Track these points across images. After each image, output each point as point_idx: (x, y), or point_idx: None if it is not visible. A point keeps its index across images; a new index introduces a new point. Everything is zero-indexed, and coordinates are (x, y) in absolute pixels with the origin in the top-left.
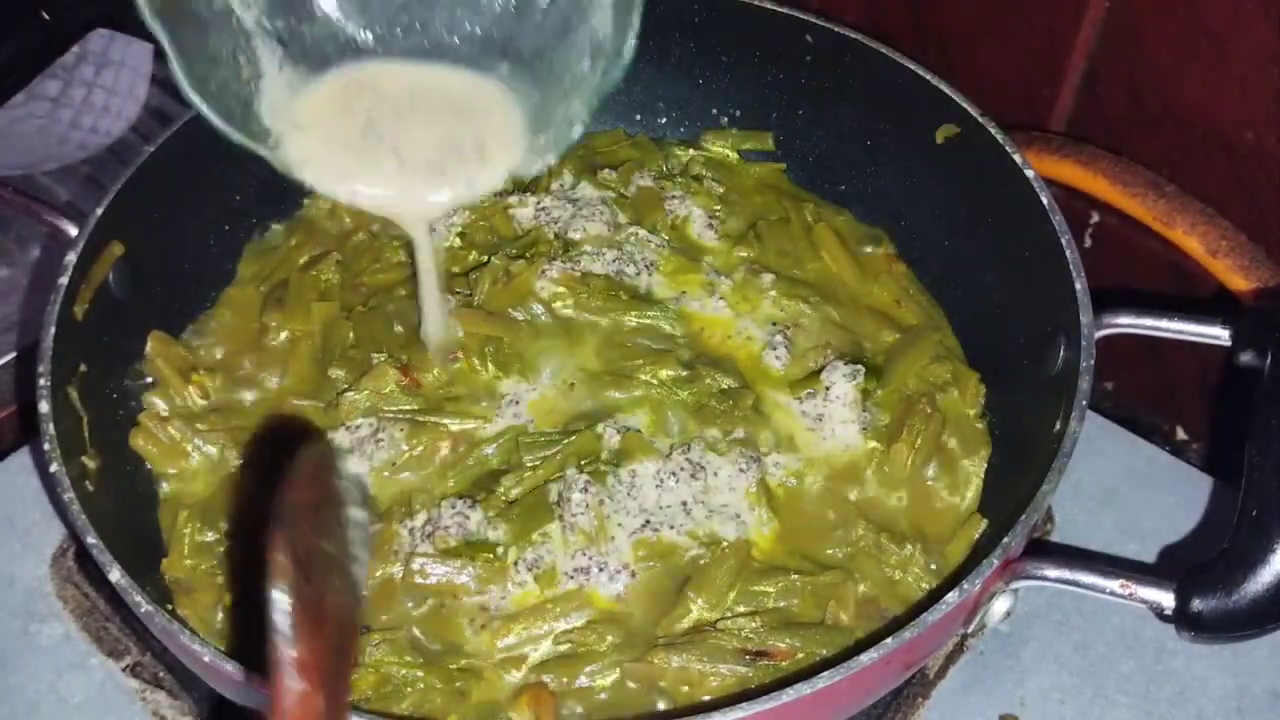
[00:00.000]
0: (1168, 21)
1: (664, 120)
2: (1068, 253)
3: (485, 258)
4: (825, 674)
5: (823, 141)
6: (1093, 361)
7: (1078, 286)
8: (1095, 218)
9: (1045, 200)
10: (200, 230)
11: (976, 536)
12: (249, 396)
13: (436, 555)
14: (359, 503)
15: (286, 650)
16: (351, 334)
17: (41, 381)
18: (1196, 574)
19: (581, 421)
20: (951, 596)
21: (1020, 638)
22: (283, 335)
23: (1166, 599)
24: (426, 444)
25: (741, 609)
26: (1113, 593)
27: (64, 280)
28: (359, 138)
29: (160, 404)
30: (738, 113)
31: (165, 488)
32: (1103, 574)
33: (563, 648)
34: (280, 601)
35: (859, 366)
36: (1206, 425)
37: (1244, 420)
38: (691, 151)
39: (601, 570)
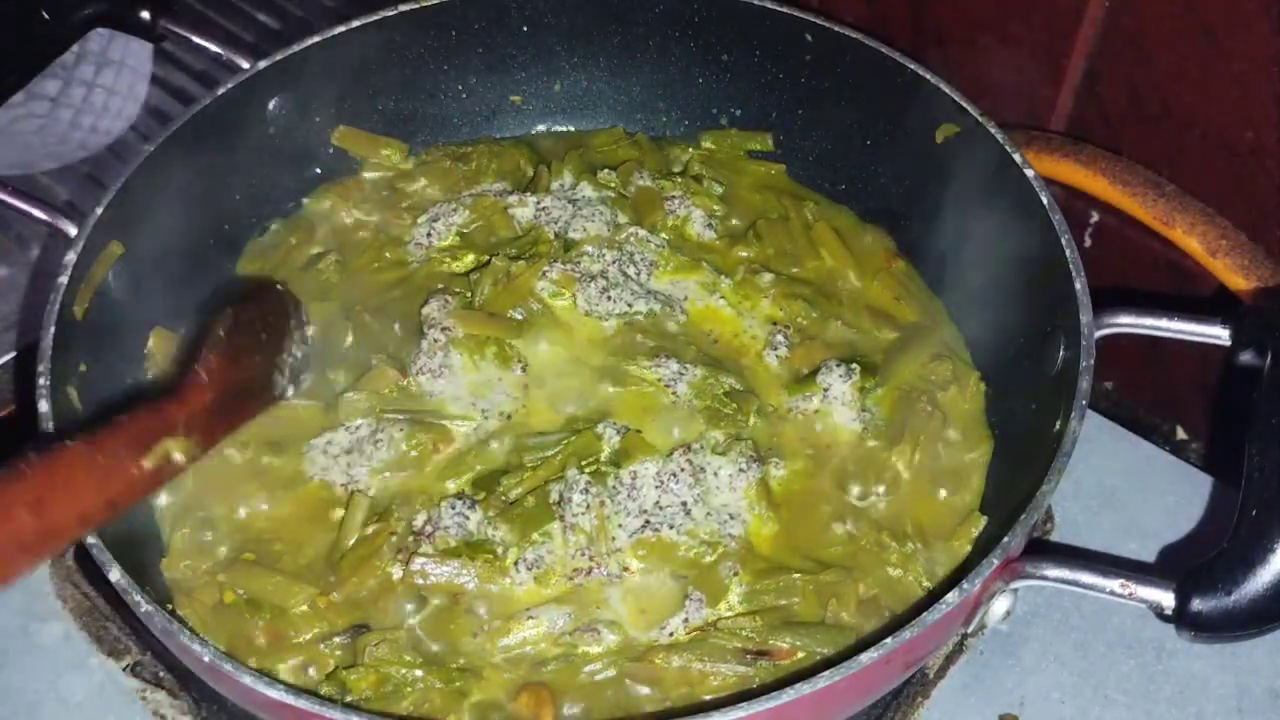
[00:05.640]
0: (1168, 21)
1: (664, 120)
2: (1068, 253)
3: (485, 258)
4: (825, 674)
5: (823, 141)
6: (1093, 361)
7: (1078, 286)
8: (1095, 218)
9: (1045, 200)
10: (200, 230)
11: (977, 534)
12: None
13: (436, 555)
14: (300, 323)
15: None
16: (351, 334)
17: (41, 381)
18: (1196, 574)
19: (582, 421)
20: (951, 596)
21: (1020, 638)
22: None
23: (1166, 599)
24: (426, 444)
25: (742, 608)
26: (1113, 592)
27: (64, 280)
28: None
29: None
30: (738, 113)
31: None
32: (1103, 574)
33: (562, 648)
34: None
35: (854, 365)
36: (1206, 425)
37: (1244, 420)
38: (691, 151)
39: (602, 570)
